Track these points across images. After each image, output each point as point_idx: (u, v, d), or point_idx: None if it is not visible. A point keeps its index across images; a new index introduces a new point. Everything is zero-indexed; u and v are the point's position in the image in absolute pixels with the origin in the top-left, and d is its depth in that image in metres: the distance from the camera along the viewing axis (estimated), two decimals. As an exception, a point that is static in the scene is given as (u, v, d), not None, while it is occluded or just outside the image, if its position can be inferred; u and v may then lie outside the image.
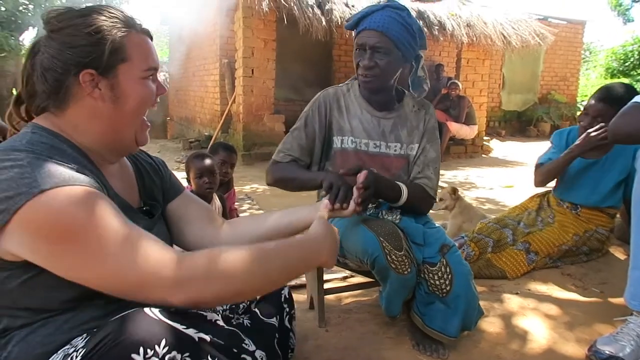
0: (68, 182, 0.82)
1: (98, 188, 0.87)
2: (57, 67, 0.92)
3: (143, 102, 1.01)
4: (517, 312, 1.97)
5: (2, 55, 9.39)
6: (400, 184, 1.58)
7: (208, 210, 1.30)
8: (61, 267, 0.83)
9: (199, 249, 1.21)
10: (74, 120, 0.96)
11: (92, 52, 0.93)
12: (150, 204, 1.15)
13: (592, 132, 2.22)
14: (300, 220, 1.28)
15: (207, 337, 0.85)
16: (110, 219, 0.84)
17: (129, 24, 0.99)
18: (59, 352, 0.85)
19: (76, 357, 0.80)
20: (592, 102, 2.34)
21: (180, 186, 1.27)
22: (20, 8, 9.62)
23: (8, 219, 0.78)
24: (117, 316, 0.82)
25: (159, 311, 0.82)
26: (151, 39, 1.05)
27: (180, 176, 2.34)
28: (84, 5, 1.00)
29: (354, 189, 1.34)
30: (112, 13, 0.98)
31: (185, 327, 0.82)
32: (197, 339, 0.83)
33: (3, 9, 9.46)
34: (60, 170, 0.83)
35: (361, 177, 1.35)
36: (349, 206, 1.30)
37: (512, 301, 2.06)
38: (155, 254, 0.85)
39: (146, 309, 0.82)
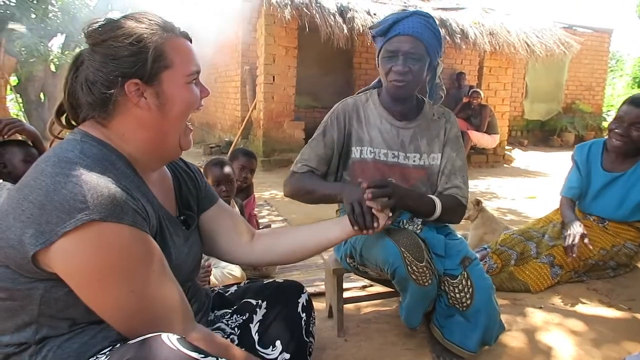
0: (118, 217, 0.83)
1: (142, 222, 0.88)
2: (102, 79, 0.93)
3: (188, 106, 1.01)
4: (541, 327, 1.91)
5: (31, 60, 9.65)
6: (433, 197, 1.55)
7: (240, 222, 1.30)
8: (86, 295, 0.85)
9: (229, 260, 1.24)
10: (121, 130, 0.97)
11: (135, 62, 0.93)
12: (187, 214, 1.16)
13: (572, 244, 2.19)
14: (329, 240, 1.30)
15: None
16: (143, 267, 0.87)
17: (168, 28, 0.99)
18: None
19: None
20: (628, 108, 2.26)
21: (214, 196, 1.28)
22: (50, 15, 9.89)
23: (55, 240, 0.80)
24: (136, 340, 0.83)
25: (177, 340, 0.82)
26: (190, 41, 1.04)
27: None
28: (119, 14, 1.01)
29: (373, 210, 1.29)
30: (151, 20, 0.98)
31: (203, 356, 0.82)
32: None
33: (33, 15, 9.74)
34: (112, 198, 0.83)
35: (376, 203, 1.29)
36: (374, 229, 1.29)
37: (536, 316, 2.01)
38: (176, 308, 0.91)
39: (164, 337, 0.81)
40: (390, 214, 1.31)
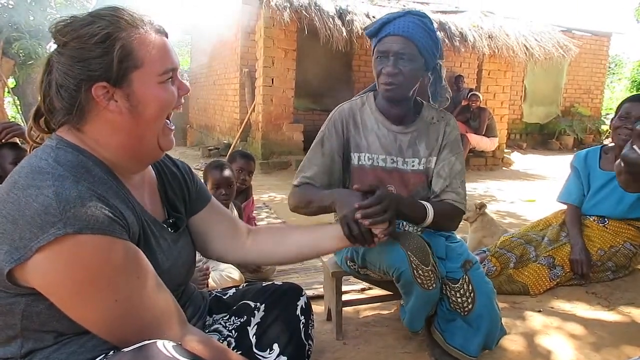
0: (92, 228, 0.80)
1: (120, 230, 0.85)
2: (69, 83, 0.88)
3: (164, 107, 0.95)
4: (540, 330, 1.91)
5: (30, 63, 9.65)
6: (426, 203, 1.50)
7: (233, 223, 1.27)
8: (68, 308, 0.83)
9: (223, 261, 1.22)
10: (95, 135, 0.93)
11: (101, 64, 0.87)
12: (175, 216, 1.13)
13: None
14: (326, 250, 1.29)
15: None
16: (124, 275, 0.84)
17: (137, 24, 0.91)
18: None
19: None
20: (633, 104, 2.27)
21: (206, 196, 1.24)
22: (48, 17, 9.89)
23: (30, 256, 0.78)
24: (130, 348, 0.81)
25: (173, 347, 0.81)
26: (166, 36, 0.97)
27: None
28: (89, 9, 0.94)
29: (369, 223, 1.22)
30: (118, 15, 0.90)
31: None
32: None
33: (32, 18, 9.75)
34: (86, 208, 0.80)
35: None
36: (374, 244, 1.25)
37: (535, 319, 2.00)
38: (166, 315, 0.90)
39: (159, 344, 0.80)
40: (388, 226, 1.24)
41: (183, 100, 1.01)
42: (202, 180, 2.34)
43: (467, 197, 1.66)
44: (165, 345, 0.80)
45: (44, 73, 0.93)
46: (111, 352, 0.85)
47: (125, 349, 0.81)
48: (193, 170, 1.27)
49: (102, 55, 0.88)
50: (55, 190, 0.79)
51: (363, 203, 1.22)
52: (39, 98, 0.94)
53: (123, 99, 0.91)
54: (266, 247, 1.27)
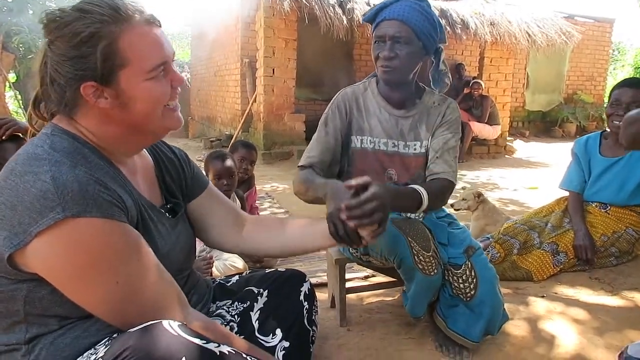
0: (91, 211, 0.80)
1: (119, 213, 0.85)
2: (60, 79, 0.88)
3: (155, 102, 0.93)
4: (544, 315, 1.91)
5: (30, 57, 9.63)
6: (420, 189, 1.44)
7: (232, 210, 1.27)
8: (70, 292, 0.84)
9: (218, 248, 1.23)
10: (89, 125, 0.93)
11: (86, 63, 0.86)
12: (173, 202, 1.13)
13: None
14: (316, 247, 1.25)
15: (227, 350, 0.84)
16: (124, 258, 0.85)
17: (123, 17, 0.88)
18: (84, 355, 0.86)
19: None
20: (622, 90, 2.29)
21: (204, 181, 1.24)
22: (45, 10, 9.86)
23: (29, 241, 0.78)
24: (136, 328, 0.81)
25: (179, 326, 0.81)
26: (159, 25, 0.94)
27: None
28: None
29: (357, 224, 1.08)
30: (102, 11, 0.87)
31: (205, 342, 0.81)
32: (218, 353, 0.82)
33: (31, 12, 9.71)
34: (84, 192, 0.80)
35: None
36: (361, 245, 1.14)
37: (538, 304, 2.01)
38: (167, 297, 0.91)
39: (165, 324, 0.81)
40: (377, 227, 1.11)
41: (179, 90, 0.99)
42: (204, 171, 2.36)
43: (469, 186, 1.66)
44: (171, 324, 0.81)
45: (40, 62, 0.92)
46: (115, 335, 0.86)
47: (131, 330, 0.82)
48: (195, 160, 1.25)
49: (88, 55, 0.86)
50: (52, 175, 0.80)
51: (350, 203, 1.08)
52: (38, 84, 0.94)
53: (112, 97, 0.90)
54: (259, 239, 1.25)
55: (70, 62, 0.87)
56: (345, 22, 6.11)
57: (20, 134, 2.13)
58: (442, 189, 1.55)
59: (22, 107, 10.38)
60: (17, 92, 10.58)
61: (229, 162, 2.31)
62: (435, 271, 1.47)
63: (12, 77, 10.50)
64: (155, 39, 0.92)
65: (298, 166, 1.66)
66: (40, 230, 0.78)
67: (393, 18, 1.51)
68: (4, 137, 2.01)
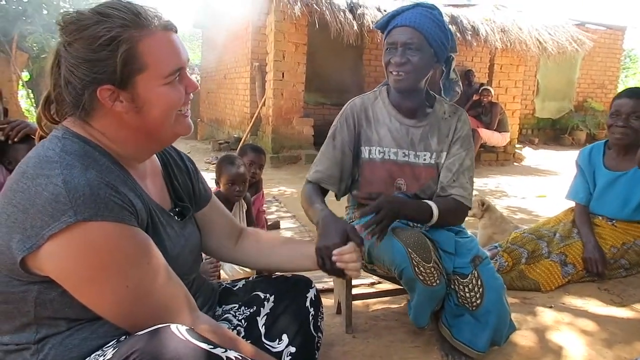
0: (103, 215, 0.81)
1: (129, 216, 0.86)
2: (76, 81, 0.88)
3: (170, 107, 0.95)
4: (552, 326, 1.89)
5: (43, 56, 9.75)
6: (432, 203, 1.51)
7: (230, 223, 1.30)
8: (80, 295, 0.84)
9: (216, 258, 1.26)
10: (101, 129, 0.94)
11: (105, 67, 0.87)
12: (182, 206, 1.14)
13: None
14: (304, 269, 1.28)
15: (234, 356, 0.84)
16: (134, 261, 0.86)
17: (142, 23, 0.89)
18: (91, 356, 0.86)
19: None
20: (622, 100, 2.27)
21: (208, 194, 1.26)
22: (61, 11, 9.99)
23: (42, 244, 0.79)
24: (144, 331, 0.82)
25: (186, 330, 0.82)
26: (175, 31, 0.95)
27: (210, 177, 2.36)
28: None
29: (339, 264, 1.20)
30: (122, 14, 0.88)
31: (212, 347, 0.81)
32: (225, 358, 0.82)
33: (45, 12, 9.84)
34: (95, 196, 0.81)
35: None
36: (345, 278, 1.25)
37: (546, 315, 1.99)
38: (176, 300, 0.91)
39: (173, 328, 0.81)
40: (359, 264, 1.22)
41: (192, 96, 1.00)
42: (215, 175, 2.37)
43: (477, 193, 1.66)
44: (178, 328, 0.81)
45: (53, 63, 0.92)
46: (123, 338, 0.87)
47: (139, 333, 0.82)
48: (203, 162, 1.27)
49: (107, 59, 0.87)
50: (64, 178, 0.80)
51: (342, 249, 1.20)
52: (50, 86, 0.94)
53: (128, 101, 0.91)
54: (251, 254, 1.29)
55: (88, 64, 0.87)
56: (355, 27, 6.12)
57: (31, 136, 2.16)
58: (456, 212, 1.60)
59: (35, 105, 10.49)
60: (30, 91, 10.70)
61: (242, 169, 2.32)
62: (437, 282, 1.46)
63: (25, 75, 10.63)
64: (173, 45, 0.93)
65: (306, 179, 1.68)
66: (52, 234, 0.78)
67: (405, 25, 1.52)
68: (15, 139, 2.04)
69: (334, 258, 1.20)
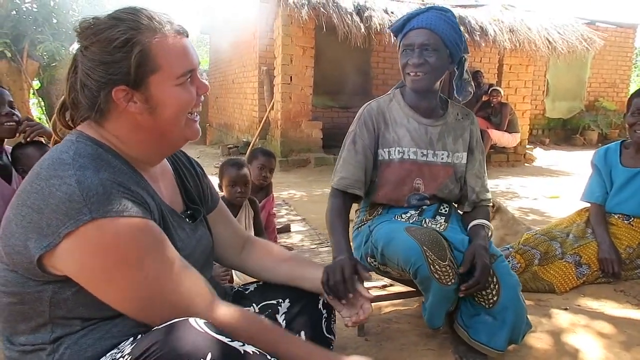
0: (117, 211, 0.82)
1: (144, 211, 0.88)
2: (91, 84, 0.92)
3: (182, 108, 0.97)
4: (567, 328, 1.86)
5: (53, 65, 9.86)
6: (485, 224, 1.64)
7: (235, 231, 1.30)
8: (98, 291, 0.85)
9: (220, 264, 1.30)
10: (116, 131, 0.96)
11: (120, 68, 0.90)
12: (193, 208, 1.15)
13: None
14: (305, 286, 1.24)
15: (252, 350, 0.84)
16: (151, 253, 0.86)
17: (155, 27, 0.93)
18: (107, 355, 0.87)
19: None
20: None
21: (216, 199, 1.27)
22: (71, 19, 10.09)
23: (58, 242, 0.80)
24: (162, 325, 0.83)
25: (204, 323, 0.82)
26: (187, 36, 0.99)
27: (217, 181, 2.37)
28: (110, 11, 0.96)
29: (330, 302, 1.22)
30: (137, 18, 0.92)
31: (230, 340, 0.82)
32: (242, 352, 0.82)
33: (55, 20, 9.96)
34: (108, 194, 0.83)
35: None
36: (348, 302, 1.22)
37: (561, 317, 1.96)
38: (195, 289, 0.90)
39: (191, 320, 0.82)
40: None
41: (203, 98, 1.03)
42: (218, 178, 2.38)
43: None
44: (197, 321, 0.82)
45: (70, 68, 0.96)
46: (139, 336, 0.87)
47: (158, 327, 0.83)
48: (212, 167, 1.28)
49: (122, 60, 0.90)
50: (77, 179, 0.82)
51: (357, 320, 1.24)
52: (65, 92, 0.97)
53: (142, 101, 0.93)
54: (255, 266, 1.29)
55: (104, 66, 0.90)
56: (362, 29, 6.12)
57: (43, 141, 2.19)
58: (489, 213, 1.77)
59: (45, 113, 10.62)
60: (41, 99, 10.83)
61: (244, 170, 2.33)
62: (453, 281, 1.44)
63: (36, 84, 10.76)
64: (184, 48, 0.96)
65: (332, 187, 1.68)
66: (68, 232, 0.80)
67: (422, 27, 1.57)
68: (28, 139, 2.07)
69: (350, 324, 1.21)
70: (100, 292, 0.85)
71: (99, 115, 0.94)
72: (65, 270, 0.83)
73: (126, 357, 0.81)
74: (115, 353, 0.86)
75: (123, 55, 0.90)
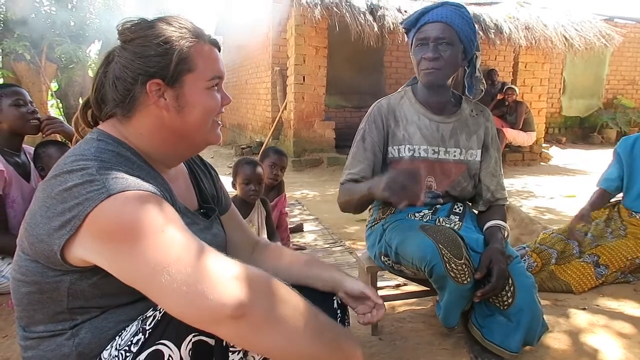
0: (135, 187, 0.85)
1: (163, 196, 0.90)
2: (127, 76, 0.95)
3: (207, 112, 1.01)
4: (586, 329, 1.83)
5: (71, 66, 10.00)
6: (502, 225, 1.61)
7: (246, 234, 1.30)
8: (123, 267, 0.84)
9: None
10: (139, 129, 0.99)
11: (159, 62, 0.95)
12: (207, 207, 1.17)
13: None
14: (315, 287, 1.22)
15: None
16: (173, 223, 0.86)
17: (197, 34, 1.01)
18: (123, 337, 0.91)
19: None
20: None
21: (228, 203, 1.28)
22: (88, 22, 10.23)
23: (79, 225, 0.81)
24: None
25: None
26: (219, 49, 1.06)
27: (229, 180, 2.38)
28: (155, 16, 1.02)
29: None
30: (181, 24, 1.00)
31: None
32: None
33: (72, 23, 10.10)
34: (127, 177, 0.86)
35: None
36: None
37: (579, 317, 1.92)
38: (217, 260, 0.88)
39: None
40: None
41: (224, 110, 1.07)
42: (232, 176, 2.40)
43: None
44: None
45: (102, 65, 1.00)
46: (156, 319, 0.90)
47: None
48: (226, 167, 1.29)
49: (162, 55, 0.95)
50: (97, 169, 0.85)
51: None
52: (92, 89, 1.01)
53: (172, 99, 0.97)
54: (266, 268, 1.23)
55: (144, 59, 0.95)
56: (375, 29, 6.09)
57: (59, 139, 2.22)
58: (505, 212, 1.74)
59: (63, 114, 10.78)
60: (59, 101, 11.00)
61: (258, 169, 2.34)
62: (468, 279, 1.43)
63: (54, 86, 10.94)
64: (216, 57, 1.05)
65: (340, 183, 1.70)
66: (88, 212, 0.81)
67: (437, 20, 1.55)
68: (45, 135, 2.12)
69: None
70: (118, 270, 0.84)
71: (127, 110, 0.97)
72: (86, 255, 0.84)
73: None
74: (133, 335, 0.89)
75: (165, 51, 0.95)
